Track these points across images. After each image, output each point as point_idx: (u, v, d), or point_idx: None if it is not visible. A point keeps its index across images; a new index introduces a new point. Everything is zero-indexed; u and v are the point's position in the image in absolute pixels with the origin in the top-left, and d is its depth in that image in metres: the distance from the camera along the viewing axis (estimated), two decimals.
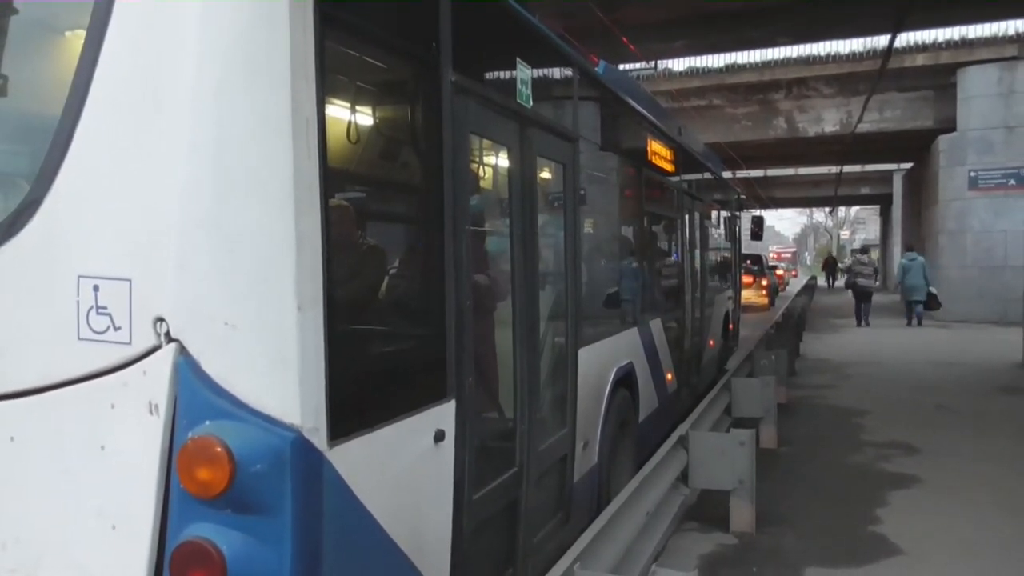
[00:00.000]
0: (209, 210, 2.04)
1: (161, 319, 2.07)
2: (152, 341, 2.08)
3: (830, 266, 43.93)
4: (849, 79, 21.14)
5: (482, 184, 3.74)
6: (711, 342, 9.71)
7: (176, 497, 2.03)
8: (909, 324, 18.68)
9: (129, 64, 2.11)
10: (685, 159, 8.01)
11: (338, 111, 2.46)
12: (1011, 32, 19.54)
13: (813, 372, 12.01)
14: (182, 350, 2.05)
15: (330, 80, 2.25)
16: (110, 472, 2.12)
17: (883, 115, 21.57)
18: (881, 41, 17.96)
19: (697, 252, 8.77)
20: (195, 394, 2.03)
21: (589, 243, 4.96)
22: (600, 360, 4.83)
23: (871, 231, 68.33)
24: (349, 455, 2.18)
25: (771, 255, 49.67)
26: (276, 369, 2.04)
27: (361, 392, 2.39)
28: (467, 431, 2.93)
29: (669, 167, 7.32)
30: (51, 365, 2.18)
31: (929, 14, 14.50)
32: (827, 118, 22.59)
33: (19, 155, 2.47)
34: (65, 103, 2.17)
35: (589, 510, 4.52)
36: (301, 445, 2.02)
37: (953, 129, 20.25)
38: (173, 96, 2.05)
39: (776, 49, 21.12)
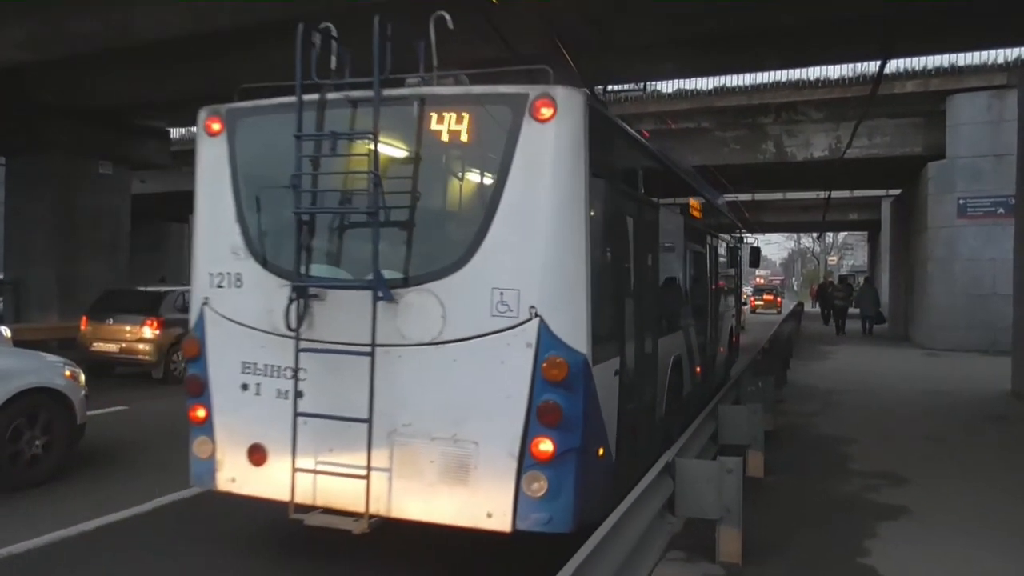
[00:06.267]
0: (552, 257, 4.58)
1: (533, 307, 4.48)
2: (527, 316, 4.49)
3: (822, 294, 34.86)
4: (839, 104, 21.13)
5: (633, 242, 6.27)
6: (721, 348, 12.09)
7: (539, 382, 4.46)
8: (863, 332, 26.10)
9: (519, 183, 4.60)
10: (710, 209, 11.14)
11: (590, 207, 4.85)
12: (1000, 60, 19.64)
13: (800, 399, 11.89)
14: (541, 320, 4.47)
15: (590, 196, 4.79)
16: (507, 373, 4.52)
17: (872, 141, 21.56)
18: (871, 67, 18.01)
19: (716, 278, 11.51)
20: (547, 338, 4.47)
21: (663, 273, 7.56)
22: (667, 349, 7.36)
23: (859, 257, 68.75)
24: (595, 372, 4.68)
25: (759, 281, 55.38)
26: (577, 329, 4.56)
27: (599, 344, 4.76)
28: (625, 373, 5.60)
29: (701, 216, 10.32)
30: (477, 327, 4.58)
31: (919, 41, 14.46)
32: (816, 143, 22.57)
33: (449, 234, 5.07)
34: (488, 200, 4.65)
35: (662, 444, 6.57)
36: (585, 362, 4.55)
37: (942, 156, 20.29)
38: (536, 203, 4.60)
39: (766, 73, 21.14)
